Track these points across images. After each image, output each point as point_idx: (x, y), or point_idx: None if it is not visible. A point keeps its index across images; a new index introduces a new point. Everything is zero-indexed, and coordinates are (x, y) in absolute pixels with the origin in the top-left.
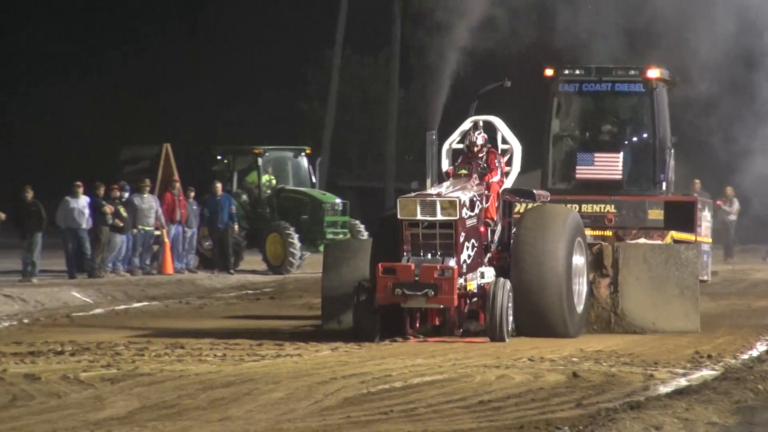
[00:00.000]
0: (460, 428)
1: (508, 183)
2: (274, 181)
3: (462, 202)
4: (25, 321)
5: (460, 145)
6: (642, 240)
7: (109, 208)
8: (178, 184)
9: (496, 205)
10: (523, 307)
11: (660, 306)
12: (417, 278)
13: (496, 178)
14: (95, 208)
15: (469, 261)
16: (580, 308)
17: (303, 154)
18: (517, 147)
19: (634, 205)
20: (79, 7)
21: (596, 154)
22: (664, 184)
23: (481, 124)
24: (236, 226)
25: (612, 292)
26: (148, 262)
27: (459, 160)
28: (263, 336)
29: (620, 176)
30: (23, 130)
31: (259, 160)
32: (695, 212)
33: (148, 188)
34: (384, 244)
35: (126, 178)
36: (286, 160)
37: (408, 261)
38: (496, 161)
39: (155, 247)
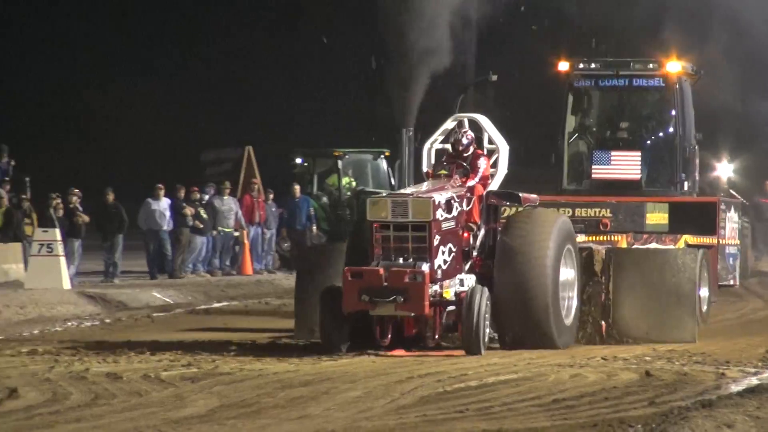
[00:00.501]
0: (535, 426)
1: (494, 185)
2: (354, 184)
3: (437, 203)
4: (107, 321)
5: (443, 145)
6: (654, 245)
7: (189, 210)
8: (257, 186)
9: (480, 208)
10: (507, 318)
11: (654, 315)
12: (386, 284)
13: (474, 181)
14: (176, 210)
15: (445, 266)
16: (569, 320)
17: (382, 156)
18: (503, 147)
19: (631, 208)
20: (159, 7)
21: (613, 153)
22: (686, 184)
23: (466, 122)
24: (314, 228)
25: (604, 299)
26: (227, 263)
27: (441, 161)
28: None
29: (639, 176)
30: (105, 133)
31: (339, 163)
32: (717, 214)
33: (228, 190)
34: (359, 248)
35: (208, 181)
36: (366, 162)
37: (378, 265)
38: (480, 162)
39: (235, 249)
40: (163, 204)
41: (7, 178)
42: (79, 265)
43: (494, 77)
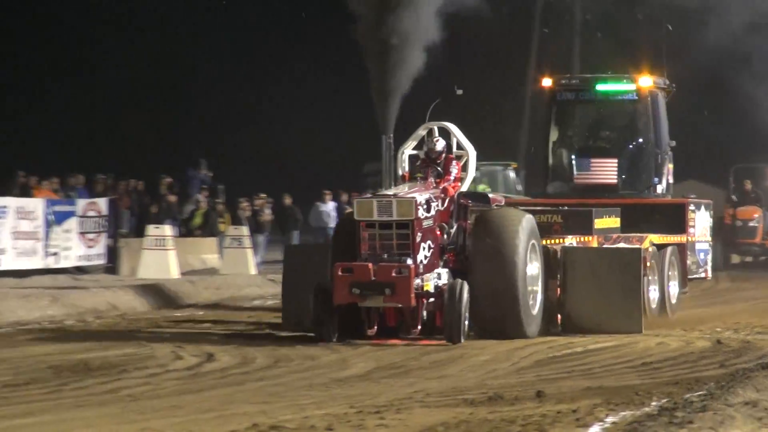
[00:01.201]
0: (628, 384)
1: (464, 187)
2: (488, 190)
3: (418, 202)
4: None
5: (416, 151)
6: (622, 244)
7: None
8: None
9: (451, 208)
10: (481, 311)
11: (604, 308)
12: (374, 278)
13: (448, 182)
14: (340, 211)
15: (425, 261)
16: (535, 310)
17: (510, 168)
18: (472, 152)
19: (581, 215)
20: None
21: (593, 160)
22: (659, 187)
23: (436, 130)
24: None
25: (559, 294)
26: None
27: (416, 165)
28: None
29: (616, 180)
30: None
31: (477, 173)
32: (686, 214)
33: None
34: (342, 246)
35: (368, 188)
36: (497, 173)
37: (365, 261)
38: (451, 166)
39: None
40: (330, 206)
41: (205, 186)
42: (263, 255)
43: (459, 91)
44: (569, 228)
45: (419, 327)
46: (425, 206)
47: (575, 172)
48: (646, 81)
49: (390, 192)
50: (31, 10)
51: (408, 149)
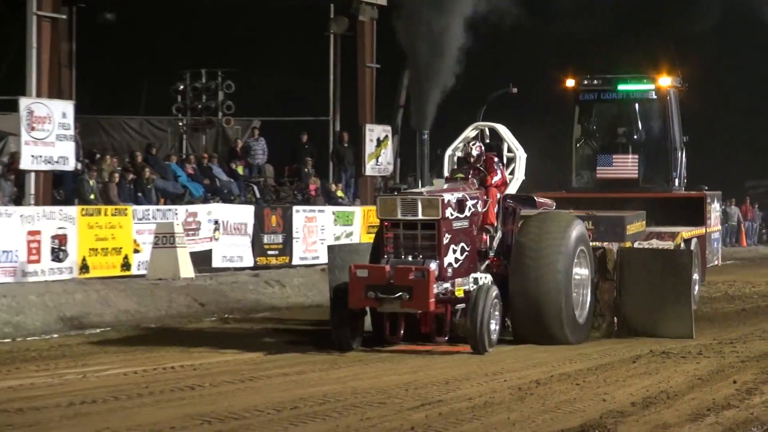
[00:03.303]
0: None
1: (512, 190)
2: None
3: (445, 202)
4: None
5: (462, 153)
6: (654, 241)
7: None
8: None
9: (496, 210)
10: (522, 316)
11: (657, 311)
12: (391, 281)
13: (495, 180)
14: None
15: (456, 265)
16: (582, 318)
17: None
18: (521, 155)
19: (612, 221)
20: None
21: (614, 156)
22: (676, 181)
23: (487, 132)
24: None
25: (615, 296)
26: None
27: (461, 166)
28: None
29: (636, 175)
30: None
31: None
32: (705, 207)
33: None
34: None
35: None
36: None
37: (388, 263)
38: (495, 166)
39: None
40: None
41: None
42: None
43: (514, 90)
44: (600, 234)
45: (448, 334)
46: (456, 206)
47: (598, 168)
48: (665, 81)
49: (418, 190)
50: None
51: (456, 150)
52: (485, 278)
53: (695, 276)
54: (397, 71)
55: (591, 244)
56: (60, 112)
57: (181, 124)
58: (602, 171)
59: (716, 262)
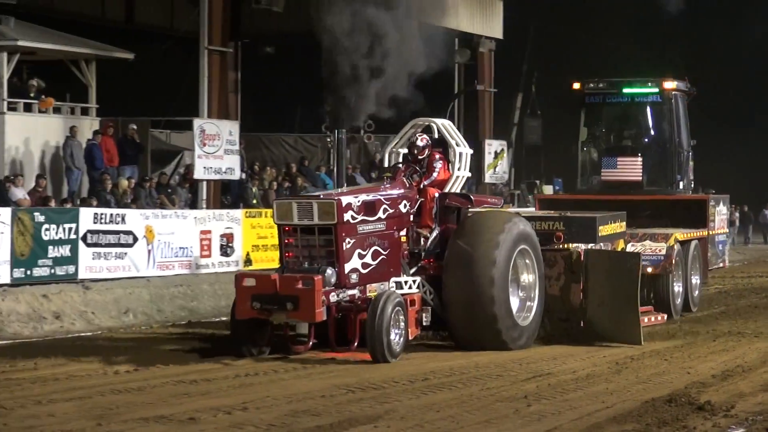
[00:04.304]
0: None
1: (456, 187)
2: None
3: (344, 205)
4: None
5: (404, 150)
6: (648, 242)
7: None
8: None
9: (434, 210)
10: (456, 320)
11: (613, 316)
12: (278, 290)
13: (427, 182)
14: None
15: (365, 270)
16: (526, 321)
17: None
18: (465, 150)
19: (583, 222)
20: None
21: (619, 158)
22: (681, 183)
23: (434, 127)
24: None
25: (582, 299)
26: None
27: (396, 164)
28: None
29: (640, 177)
30: None
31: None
32: (707, 209)
33: None
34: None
35: None
36: None
37: (283, 271)
38: (436, 164)
39: None
40: None
41: None
42: None
43: (480, 86)
44: (572, 236)
45: (356, 343)
46: (360, 209)
47: (602, 170)
48: (669, 84)
49: (317, 193)
50: None
51: (394, 147)
52: (412, 280)
53: (696, 277)
54: (510, 94)
55: (568, 245)
56: (227, 130)
57: (328, 140)
58: (607, 173)
59: (722, 264)
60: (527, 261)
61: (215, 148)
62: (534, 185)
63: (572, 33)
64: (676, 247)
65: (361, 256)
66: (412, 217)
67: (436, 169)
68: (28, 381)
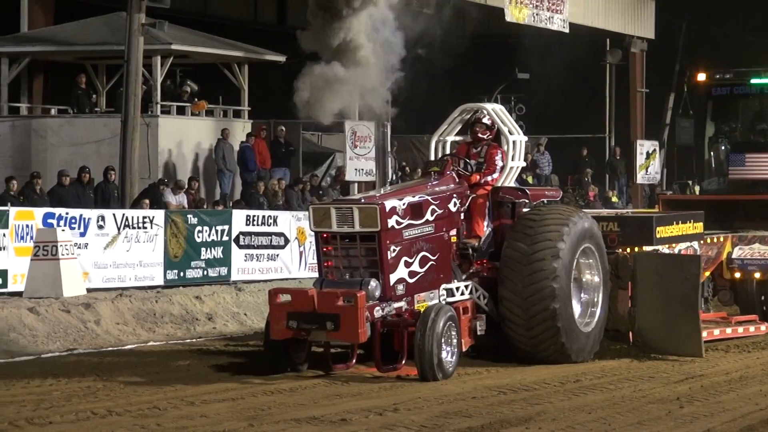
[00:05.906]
0: None
1: (510, 179)
2: None
3: (388, 209)
4: None
5: (458, 138)
6: (756, 245)
7: None
8: None
9: (487, 206)
10: (513, 329)
11: (668, 325)
12: (316, 308)
13: (490, 177)
14: None
15: (412, 279)
16: (588, 328)
17: None
18: (519, 138)
19: (639, 223)
20: None
21: (747, 155)
22: None
23: (484, 113)
24: None
25: (630, 308)
26: None
27: (443, 156)
28: None
29: None
30: None
31: None
32: None
33: None
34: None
35: None
36: None
37: (322, 284)
38: (496, 158)
39: None
40: None
41: None
42: None
43: (526, 76)
44: (627, 237)
45: (403, 361)
46: (406, 212)
47: (730, 168)
48: None
49: (357, 196)
50: None
51: (441, 136)
52: (466, 286)
53: None
54: (662, 94)
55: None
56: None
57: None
58: (734, 171)
59: None
60: (590, 260)
61: (366, 150)
62: (686, 186)
63: (725, 31)
64: None
65: (407, 264)
66: (462, 215)
67: (498, 167)
68: (181, 381)
